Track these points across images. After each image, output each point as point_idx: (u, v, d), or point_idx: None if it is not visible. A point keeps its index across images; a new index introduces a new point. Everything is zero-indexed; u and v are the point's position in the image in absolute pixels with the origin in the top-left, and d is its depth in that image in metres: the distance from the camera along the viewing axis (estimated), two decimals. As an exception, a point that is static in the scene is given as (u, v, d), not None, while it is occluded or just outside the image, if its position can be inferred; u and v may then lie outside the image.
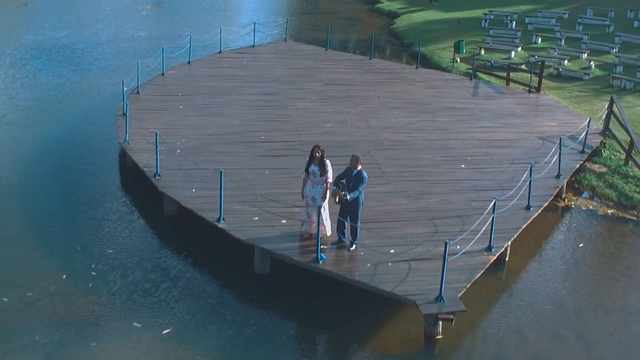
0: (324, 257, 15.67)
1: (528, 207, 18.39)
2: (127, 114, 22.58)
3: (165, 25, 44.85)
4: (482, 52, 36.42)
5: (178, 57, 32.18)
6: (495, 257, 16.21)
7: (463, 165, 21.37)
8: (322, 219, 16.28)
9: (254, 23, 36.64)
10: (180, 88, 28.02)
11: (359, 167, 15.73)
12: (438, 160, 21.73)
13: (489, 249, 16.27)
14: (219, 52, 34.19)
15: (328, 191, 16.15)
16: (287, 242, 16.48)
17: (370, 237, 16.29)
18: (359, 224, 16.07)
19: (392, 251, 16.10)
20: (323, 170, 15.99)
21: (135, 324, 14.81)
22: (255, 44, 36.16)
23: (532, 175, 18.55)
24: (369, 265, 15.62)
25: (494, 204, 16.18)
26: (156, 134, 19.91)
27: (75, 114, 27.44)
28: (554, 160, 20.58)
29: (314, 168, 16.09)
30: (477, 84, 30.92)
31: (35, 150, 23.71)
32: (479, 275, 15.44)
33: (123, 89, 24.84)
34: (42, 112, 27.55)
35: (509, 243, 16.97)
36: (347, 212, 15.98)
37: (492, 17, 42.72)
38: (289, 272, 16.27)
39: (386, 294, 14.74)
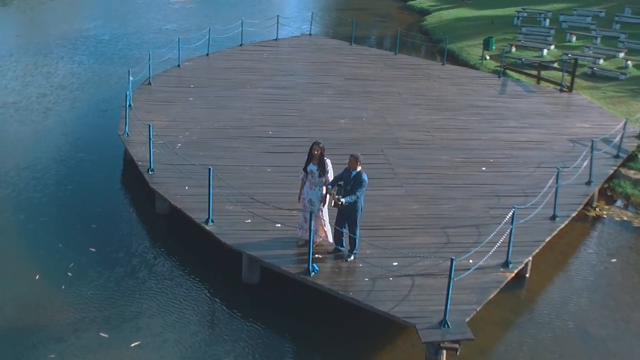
0: (317, 268, 13.31)
1: (554, 217, 15.79)
2: (128, 105, 20.35)
3: (194, 18, 42.89)
4: (513, 49, 33.70)
5: (200, 49, 30.39)
6: (513, 275, 13.65)
7: (484, 168, 18.81)
8: (322, 223, 13.91)
9: (277, 16, 34.31)
10: (194, 80, 25.94)
11: (359, 169, 13.31)
12: (457, 162, 19.19)
13: (506, 264, 13.75)
14: (240, 45, 31.98)
15: (328, 194, 13.75)
16: (280, 249, 14.18)
17: (372, 246, 13.89)
18: (357, 232, 13.64)
19: (395, 264, 13.67)
20: (322, 171, 13.62)
21: (102, 334, 12.67)
22: (281, 37, 34.01)
23: (560, 181, 15.91)
24: (366, 279, 13.20)
25: (514, 212, 13.59)
26: (149, 125, 17.75)
27: (88, 103, 25.75)
28: (584, 165, 17.93)
29: (312, 167, 13.72)
30: (505, 81, 28.26)
31: (41, 137, 22.23)
32: (492, 295, 12.91)
33: (129, 79, 22.70)
34: (56, 99, 26.00)
35: (530, 258, 14.38)
36: (345, 218, 13.58)
37: (525, 14, 39.90)
38: (281, 283, 13.97)
39: (383, 314, 12.29)
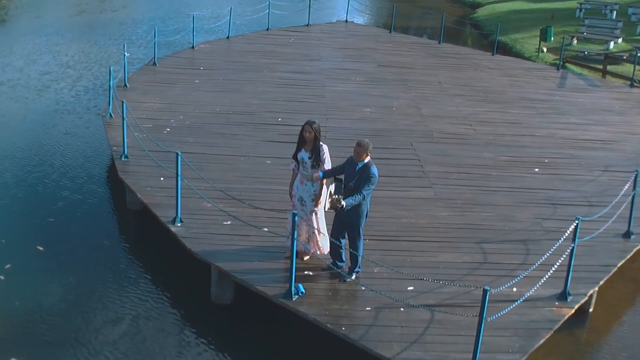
0: (302, 289, 9.75)
1: (628, 234, 12.03)
2: (111, 84, 17.11)
3: (229, 3, 39.53)
4: (574, 42, 29.68)
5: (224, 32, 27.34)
6: (573, 311, 9.91)
7: (537, 169, 15.06)
8: (315, 231, 10.37)
9: (309, 0, 30.84)
10: (206, 62, 22.73)
11: (367, 160, 9.71)
12: (503, 161, 15.47)
13: (563, 296, 10.05)
14: (267, 30, 28.59)
15: (324, 189, 10.21)
16: (261, 260, 10.74)
17: (381, 263, 10.30)
18: (360, 245, 10.06)
19: (410, 289, 10.08)
20: (317, 159, 10.09)
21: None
22: (314, 23, 30.55)
23: (637, 189, 12.08)
24: (368, 308, 9.63)
25: (577, 225, 9.82)
26: (122, 102, 14.43)
27: (92, 82, 22.71)
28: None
29: (303, 155, 10.21)
30: (564, 74, 24.34)
31: (27, 115, 19.47)
32: (542, 341, 9.18)
33: (125, 57, 19.50)
34: (57, 78, 23.15)
35: (596, 288, 10.59)
36: (344, 225, 10.02)
37: (589, 6, 35.75)
38: (261, 306, 10.42)
39: (384, 361, 8.68)
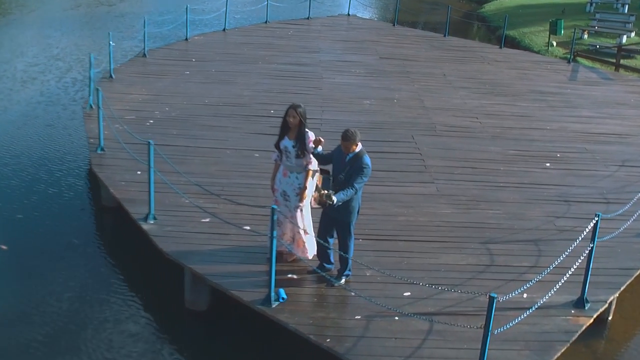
0: (284, 295, 8.55)
1: (650, 234, 10.76)
2: (92, 74, 15.98)
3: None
4: (585, 35, 28.42)
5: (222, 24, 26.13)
6: (592, 321, 8.69)
7: (548, 164, 13.85)
8: (300, 230, 9.19)
9: (310, -7, 29.70)
10: (199, 54, 21.54)
11: (358, 149, 8.51)
12: (511, 155, 14.28)
13: (580, 303, 8.83)
14: (265, 22, 27.37)
15: (310, 183, 9.04)
16: (241, 262, 9.58)
17: (375, 265, 9.13)
18: (351, 245, 8.87)
19: (406, 294, 8.90)
20: (302, 148, 8.87)
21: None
22: (315, 17, 29.34)
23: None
24: (358, 317, 8.45)
25: (596, 224, 8.60)
26: (97, 89, 13.26)
27: (83, 74, 21.12)
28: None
29: (287, 143, 8.99)
30: (576, 67, 23.09)
31: (9, 107, 18.22)
32: (557, 355, 7.96)
33: (110, 47, 18.33)
34: (44, 70, 21.90)
35: (617, 294, 9.36)
36: (332, 222, 8.82)
37: (600, 1, 34.43)
38: (239, 312, 9.23)
39: (375, 380, 7.49)
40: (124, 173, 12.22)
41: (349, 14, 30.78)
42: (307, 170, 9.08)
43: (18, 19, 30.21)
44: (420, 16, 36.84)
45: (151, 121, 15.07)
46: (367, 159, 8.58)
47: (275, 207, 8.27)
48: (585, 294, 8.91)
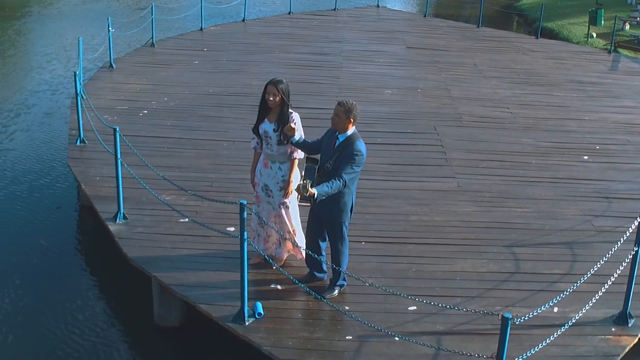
0: (260, 310, 6.97)
1: None
2: (81, 59, 14.63)
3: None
4: (627, 27, 26.37)
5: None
6: (637, 340, 6.98)
7: (586, 157, 12.11)
8: (289, 230, 7.62)
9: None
10: (212, 44, 20.16)
11: (351, 131, 6.91)
12: (545, 147, 12.56)
13: (623, 319, 7.14)
14: (289, 13, 25.86)
15: (296, 174, 7.47)
16: (219, 269, 8.06)
17: (378, 272, 7.60)
18: (344, 249, 7.27)
19: (412, 309, 7.24)
20: (284, 133, 7.26)
21: None
22: (343, 8, 27.75)
23: None
24: (349, 337, 6.85)
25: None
26: (74, 74, 11.83)
27: (94, 63, 19.75)
28: None
29: (267, 127, 7.42)
30: (617, 57, 21.17)
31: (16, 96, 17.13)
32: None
33: (109, 34, 16.98)
34: (53, 59, 20.76)
35: (669, 310, 7.66)
36: (320, 223, 7.23)
37: (642, -9, 32.30)
38: (215, 330, 7.65)
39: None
40: (100, 168, 10.81)
41: (378, 5, 29.14)
42: (291, 160, 7.52)
43: (36, 11, 29.15)
44: (454, 9, 35.01)
45: (145, 111, 13.71)
46: (361, 145, 6.99)
47: (244, 202, 6.68)
48: (629, 307, 7.22)
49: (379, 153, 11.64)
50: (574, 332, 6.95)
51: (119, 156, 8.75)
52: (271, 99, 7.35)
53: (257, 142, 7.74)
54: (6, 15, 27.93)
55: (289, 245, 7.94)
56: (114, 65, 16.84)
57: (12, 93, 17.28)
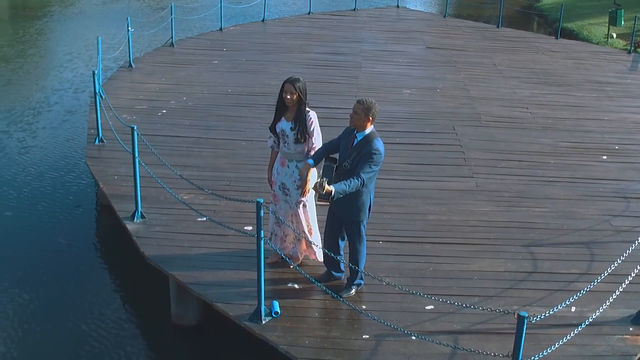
0: (277, 309, 6.96)
1: None
2: (99, 63, 14.72)
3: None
4: (649, 26, 26.07)
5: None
6: (657, 342, 6.96)
7: (605, 157, 12.03)
8: (305, 229, 7.62)
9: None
10: (231, 44, 20.19)
11: (369, 130, 6.89)
12: (563, 147, 12.48)
13: (641, 320, 7.06)
14: (309, 13, 25.86)
15: (313, 172, 7.45)
16: (236, 268, 8.06)
17: (396, 271, 7.58)
18: (362, 248, 7.25)
19: (429, 308, 7.20)
20: (302, 131, 7.29)
21: None
22: (362, 8, 27.72)
23: None
24: (366, 336, 6.84)
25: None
26: (93, 72, 11.87)
27: (117, 62, 19.80)
28: None
29: (284, 125, 7.41)
30: (637, 57, 20.99)
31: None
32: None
33: (129, 33, 17.01)
34: (74, 57, 20.87)
35: (689, 311, 7.58)
36: (338, 223, 7.21)
37: (665, -10, 31.98)
38: (233, 329, 7.63)
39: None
40: (119, 167, 10.84)
41: (398, 6, 29.07)
42: (311, 167, 7.50)
43: (57, 11, 29.33)
44: (474, 9, 34.86)
45: (164, 111, 13.74)
46: (379, 144, 6.97)
47: (261, 200, 6.69)
48: (649, 309, 7.14)
49: (398, 153, 11.62)
50: (591, 332, 6.90)
51: (136, 155, 8.78)
52: (288, 97, 7.34)
53: (274, 141, 7.74)
54: (28, 15, 28.15)
55: (304, 245, 7.93)
56: (133, 64, 16.92)
57: (34, 91, 17.44)
